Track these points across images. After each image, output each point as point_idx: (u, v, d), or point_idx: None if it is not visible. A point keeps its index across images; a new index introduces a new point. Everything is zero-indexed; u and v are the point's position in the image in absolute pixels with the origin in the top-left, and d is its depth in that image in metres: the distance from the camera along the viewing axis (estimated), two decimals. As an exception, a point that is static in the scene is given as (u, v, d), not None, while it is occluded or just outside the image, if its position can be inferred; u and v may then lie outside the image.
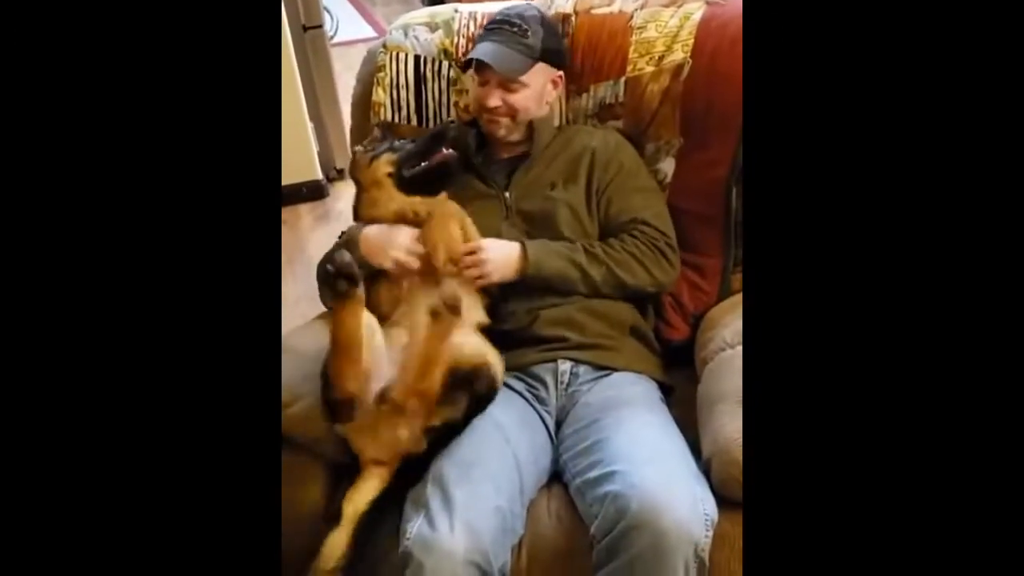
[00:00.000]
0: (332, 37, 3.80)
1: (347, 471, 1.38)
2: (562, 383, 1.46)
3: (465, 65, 1.64)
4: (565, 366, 1.46)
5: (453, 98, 1.78)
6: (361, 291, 1.30)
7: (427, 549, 1.14)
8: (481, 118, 1.60)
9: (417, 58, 1.79)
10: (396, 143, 1.57)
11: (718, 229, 1.65)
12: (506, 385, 1.45)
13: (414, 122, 1.80)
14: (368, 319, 1.36)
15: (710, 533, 1.14)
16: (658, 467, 1.18)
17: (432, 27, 1.80)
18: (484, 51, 1.55)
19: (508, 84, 1.54)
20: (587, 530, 1.20)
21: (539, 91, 1.58)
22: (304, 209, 3.50)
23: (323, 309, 1.65)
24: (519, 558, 1.26)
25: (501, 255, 1.45)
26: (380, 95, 1.81)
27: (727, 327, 1.52)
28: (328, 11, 3.72)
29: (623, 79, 1.69)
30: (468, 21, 1.77)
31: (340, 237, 1.58)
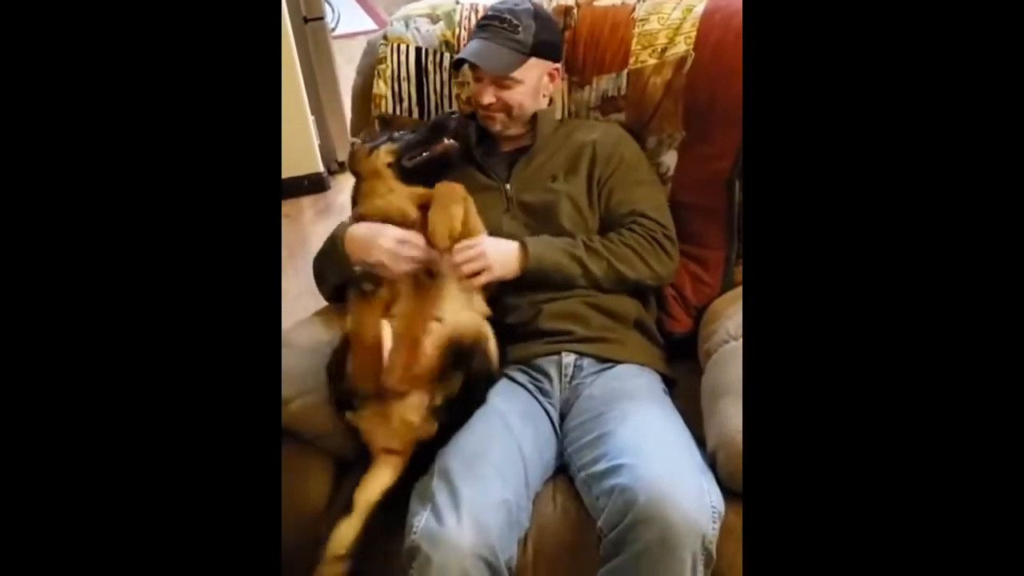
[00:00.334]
0: (333, 29, 3.79)
1: (352, 465, 1.39)
2: (566, 376, 1.45)
3: (455, 65, 1.63)
4: (569, 359, 1.46)
5: (455, 90, 1.77)
6: (384, 291, 1.31)
7: (434, 543, 1.14)
8: (478, 114, 1.60)
9: (418, 50, 1.78)
10: (396, 134, 1.57)
11: (720, 222, 1.65)
12: (510, 378, 1.46)
13: (415, 114, 1.80)
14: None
15: (717, 525, 1.14)
16: (664, 460, 1.18)
17: (433, 18, 1.80)
18: (472, 50, 1.55)
19: (501, 81, 1.54)
20: (593, 523, 1.20)
21: (534, 86, 1.58)
22: (306, 202, 3.51)
23: (324, 303, 1.65)
24: (525, 551, 1.26)
25: (501, 251, 1.45)
26: (381, 87, 1.80)
27: (730, 319, 1.51)
28: (329, 3, 3.71)
29: (625, 72, 1.69)
30: (469, 13, 1.77)
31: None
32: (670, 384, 1.52)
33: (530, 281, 1.46)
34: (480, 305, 1.45)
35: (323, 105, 3.61)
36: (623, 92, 1.69)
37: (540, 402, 1.44)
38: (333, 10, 4.00)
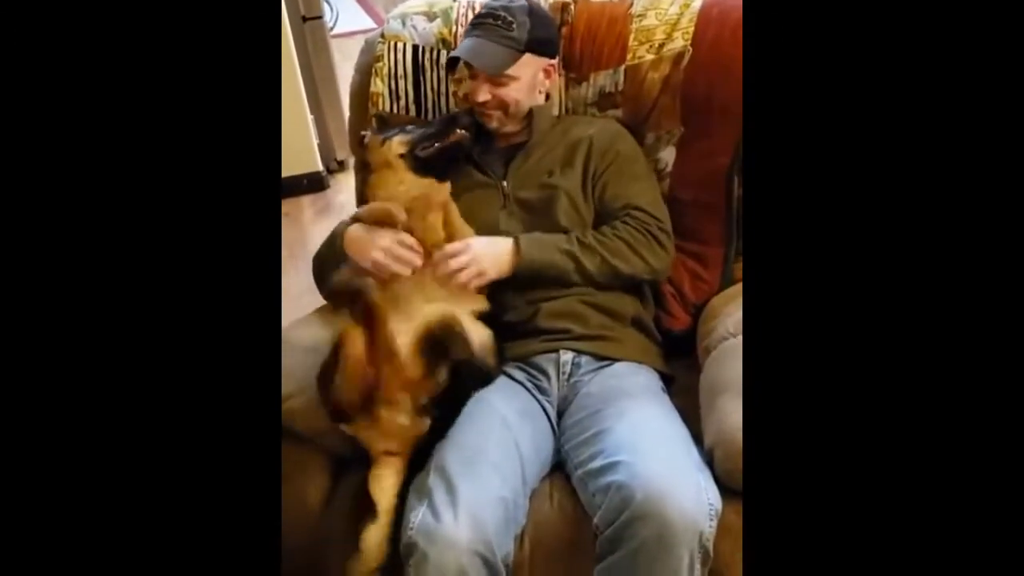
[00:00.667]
0: (332, 28, 3.79)
1: (351, 464, 1.38)
2: (564, 373, 1.45)
3: (450, 63, 1.63)
4: (567, 357, 1.46)
5: (451, 87, 1.76)
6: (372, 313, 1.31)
7: (431, 539, 1.14)
8: (474, 110, 1.60)
9: (415, 48, 1.78)
10: (408, 127, 1.58)
11: (719, 218, 1.64)
12: (507, 375, 1.46)
13: (412, 112, 1.79)
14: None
15: (714, 523, 1.14)
16: (662, 457, 1.18)
17: (430, 16, 1.79)
18: (465, 48, 1.55)
19: (496, 78, 1.54)
20: (590, 520, 1.20)
21: (529, 82, 1.58)
22: (305, 201, 3.51)
23: (324, 302, 1.65)
24: (522, 548, 1.26)
25: (492, 252, 1.44)
26: (378, 85, 1.80)
27: (729, 316, 1.51)
28: (327, 2, 3.72)
29: (623, 67, 1.68)
30: (466, 10, 1.76)
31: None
32: (668, 381, 1.52)
33: (525, 278, 1.46)
34: (476, 303, 1.45)
35: (322, 104, 3.61)
36: (620, 88, 1.69)
37: (538, 399, 1.43)
38: (332, 9, 4.00)
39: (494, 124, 1.59)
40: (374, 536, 1.26)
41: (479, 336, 1.40)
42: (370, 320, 1.32)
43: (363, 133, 1.65)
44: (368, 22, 5.47)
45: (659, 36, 1.66)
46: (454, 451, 1.27)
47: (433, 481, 1.22)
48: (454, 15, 1.77)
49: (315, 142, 3.53)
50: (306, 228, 3.31)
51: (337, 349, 1.33)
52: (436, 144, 1.50)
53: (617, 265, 1.48)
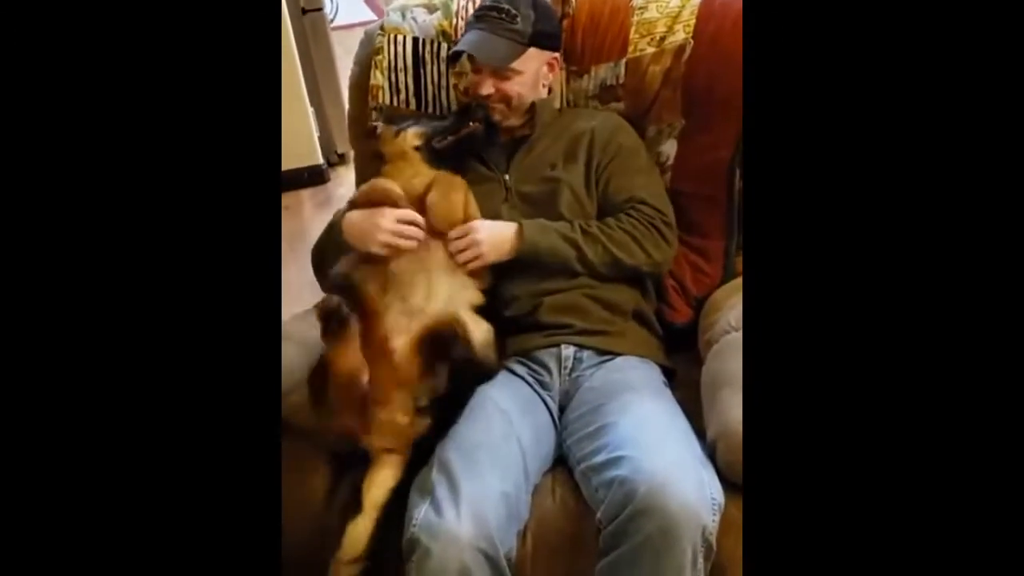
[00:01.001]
0: (332, 20, 3.77)
1: (351, 459, 1.38)
2: (566, 368, 1.45)
3: (452, 56, 1.63)
4: (569, 351, 1.46)
5: (452, 81, 1.76)
6: (354, 327, 1.30)
7: (433, 535, 1.14)
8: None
9: (415, 40, 1.77)
10: (421, 119, 1.59)
11: (721, 211, 1.64)
12: (509, 370, 1.45)
13: (412, 105, 1.78)
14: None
15: (717, 517, 1.13)
16: (665, 452, 1.18)
17: (430, 8, 1.78)
18: (469, 41, 1.54)
19: (500, 72, 1.54)
20: (592, 515, 1.19)
21: (533, 76, 1.57)
22: (306, 194, 3.50)
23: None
24: (524, 543, 1.25)
25: (495, 234, 1.45)
26: (378, 78, 1.79)
27: (731, 309, 1.51)
28: (327, -7, 3.69)
29: (624, 60, 1.68)
30: (467, 2, 1.75)
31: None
32: (669, 375, 1.52)
33: (526, 266, 1.46)
34: (473, 296, 1.45)
35: (322, 97, 3.60)
36: (622, 81, 1.68)
37: (539, 394, 1.43)
38: (332, 1, 3.98)
39: (496, 117, 1.58)
40: (357, 529, 1.27)
41: (479, 332, 1.40)
42: (364, 314, 1.32)
43: (374, 124, 1.65)
44: (368, 14, 5.45)
45: (660, 29, 1.65)
46: (456, 447, 1.26)
47: (435, 477, 1.21)
48: (454, 7, 1.76)
49: (315, 135, 3.52)
50: (307, 221, 3.31)
51: (324, 368, 1.32)
52: (451, 137, 1.51)
53: (619, 256, 1.48)
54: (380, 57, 1.78)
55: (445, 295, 1.41)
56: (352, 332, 1.30)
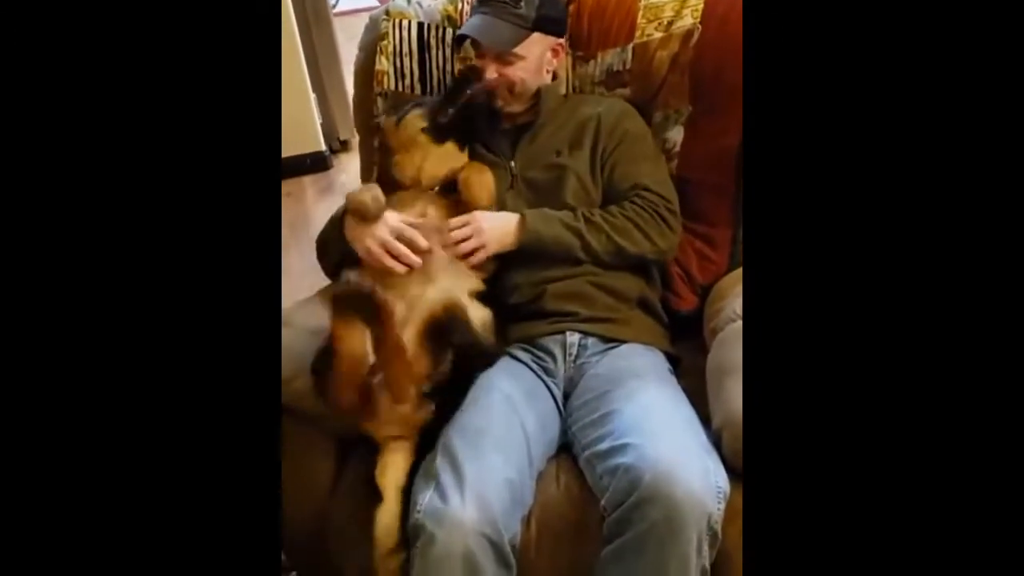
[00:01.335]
0: (334, 6, 3.76)
1: (358, 445, 1.38)
2: (570, 355, 1.45)
3: (456, 41, 1.61)
4: (573, 338, 1.45)
5: (457, 66, 1.74)
6: (390, 308, 1.28)
7: (438, 521, 1.14)
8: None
9: (420, 25, 1.76)
10: (420, 101, 1.57)
11: (728, 199, 1.63)
12: (513, 357, 1.45)
13: (418, 91, 1.77)
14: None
15: (722, 505, 1.13)
16: (670, 439, 1.17)
17: (435, -7, 1.77)
18: (473, 26, 1.53)
19: (503, 57, 1.52)
20: (596, 502, 1.19)
21: (536, 62, 1.56)
22: (308, 181, 3.50)
23: (327, 282, 1.64)
24: (529, 529, 1.25)
25: (498, 225, 1.44)
26: (383, 63, 1.78)
27: (737, 297, 1.50)
28: (330, -21, 3.67)
29: (631, 46, 1.66)
30: (472, -13, 1.74)
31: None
32: (675, 363, 1.51)
33: (530, 255, 1.45)
34: (473, 283, 1.44)
35: (325, 83, 3.59)
36: (628, 66, 1.67)
37: (543, 380, 1.43)
38: (334, -13, 3.97)
39: (500, 103, 1.57)
40: (384, 518, 1.25)
41: (479, 317, 1.39)
42: (379, 321, 1.28)
43: (376, 121, 1.64)
44: (370, 0, 5.43)
45: (668, 13, 1.63)
46: (460, 433, 1.26)
47: (440, 463, 1.21)
48: (459, -8, 1.75)
49: (318, 121, 3.51)
50: (309, 208, 3.30)
51: (329, 348, 1.29)
52: (451, 109, 1.49)
53: (623, 244, 1.47)
54: (385, 42, 1.77)
55: (443, 282, 1.40)
56: (388, 313, 1.27)
